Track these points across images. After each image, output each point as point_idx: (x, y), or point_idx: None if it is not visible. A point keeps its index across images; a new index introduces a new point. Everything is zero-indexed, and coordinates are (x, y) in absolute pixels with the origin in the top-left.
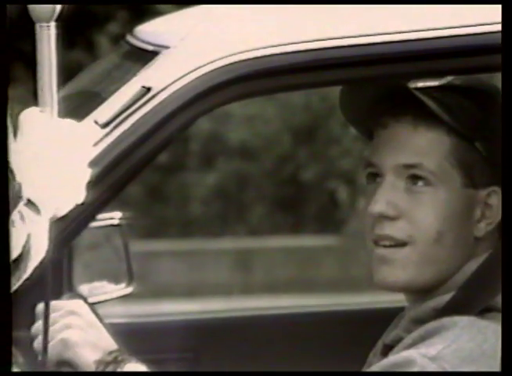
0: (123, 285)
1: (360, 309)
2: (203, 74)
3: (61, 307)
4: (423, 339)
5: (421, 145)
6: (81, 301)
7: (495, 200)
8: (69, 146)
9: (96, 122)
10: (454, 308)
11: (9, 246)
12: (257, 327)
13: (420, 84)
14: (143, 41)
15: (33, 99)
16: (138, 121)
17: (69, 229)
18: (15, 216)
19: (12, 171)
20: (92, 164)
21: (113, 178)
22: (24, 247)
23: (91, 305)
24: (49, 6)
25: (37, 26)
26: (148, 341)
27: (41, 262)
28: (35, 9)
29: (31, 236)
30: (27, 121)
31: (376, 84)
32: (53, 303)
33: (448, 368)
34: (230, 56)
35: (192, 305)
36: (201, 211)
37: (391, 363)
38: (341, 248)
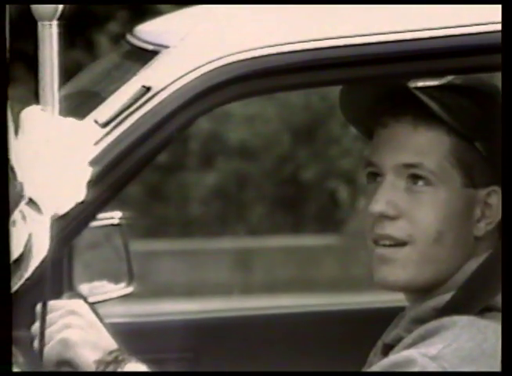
0: (123, 285)
1: (360, 309)
2: (202, 74)
3: (61, 307)
4: (423, 339)
5: (421, 145)
6: (81, 301)
7: (495, 200)
8: (69, 145)
9: (96, 122)
10: (454, 307)
11: (9, 246)
12: (257, 327)
13: (420, 84)
14: (143, 41)
15: (33, 98)
16: (138, 121)
17: (69, 229)
18: (16, 216)
19: (13, 171)
20: (92, 163)
21: (113, 178)
22: (26, 246)
23: (92, 305)
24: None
25: (40, 24)
26: (148, 341)
27: (42, 262)
28: (38, 8)
29: (33, 236)
30: (28, 119)
31: (376, 84)
32: (53, 303)
33: (448, 367)
34: (229, 55)
35: (192, 304)
36: (201, 210)
37: (391, 363)
38: (341, 248)
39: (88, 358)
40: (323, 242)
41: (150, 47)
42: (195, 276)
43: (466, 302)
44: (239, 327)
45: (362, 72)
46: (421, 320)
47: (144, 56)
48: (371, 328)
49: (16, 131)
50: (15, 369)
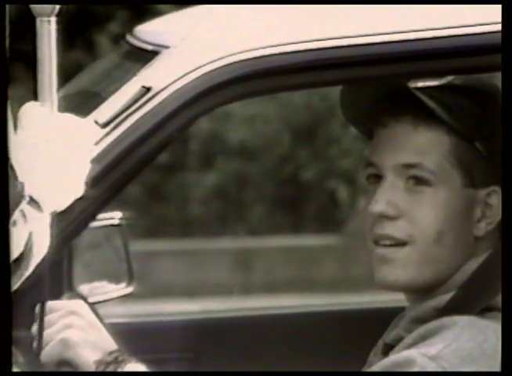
0: (123, 285)
1: (360, 309)
2: (203, 74)
3: (61, 307)
4: (423, 339)
5: (421, 145)
6: (81, 301)
7: (495, 200)
8: (68, 140)
9: (96, 122)
10: (454, 307)
11: (9, 246)
12: (257, 327)
13: (420, 84)
14: (143, 41)
15: (33, 98)
16: (138, 121)
17: (69, 229)
18: (17, 215)
19: (13, 170)
20: (92, 163)
21: (113, 178)
22: (26, 245)
23: (92, 305)
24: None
25: (38, 20)
26: (148, 341)
27: (42, 261)
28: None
29: (33, 234)
30: (27, 114)
31: (376, 84)
32: (53, 303)
33: (448, 367)
34: (230, 55)
35: (192, 305)
36: (201, 210)
37: (391, 363)
38: (341, 248)
39: (89, 358)
40: (323, 242)
41: (150, 47)
42: (195, 276)
43: (466, 302)
44: (239, 327)
45: (365, 72)
46: (421, 320)
47: (144, 56)
48: (371, 328)
49: (15, 127)
50: (15, 369)
